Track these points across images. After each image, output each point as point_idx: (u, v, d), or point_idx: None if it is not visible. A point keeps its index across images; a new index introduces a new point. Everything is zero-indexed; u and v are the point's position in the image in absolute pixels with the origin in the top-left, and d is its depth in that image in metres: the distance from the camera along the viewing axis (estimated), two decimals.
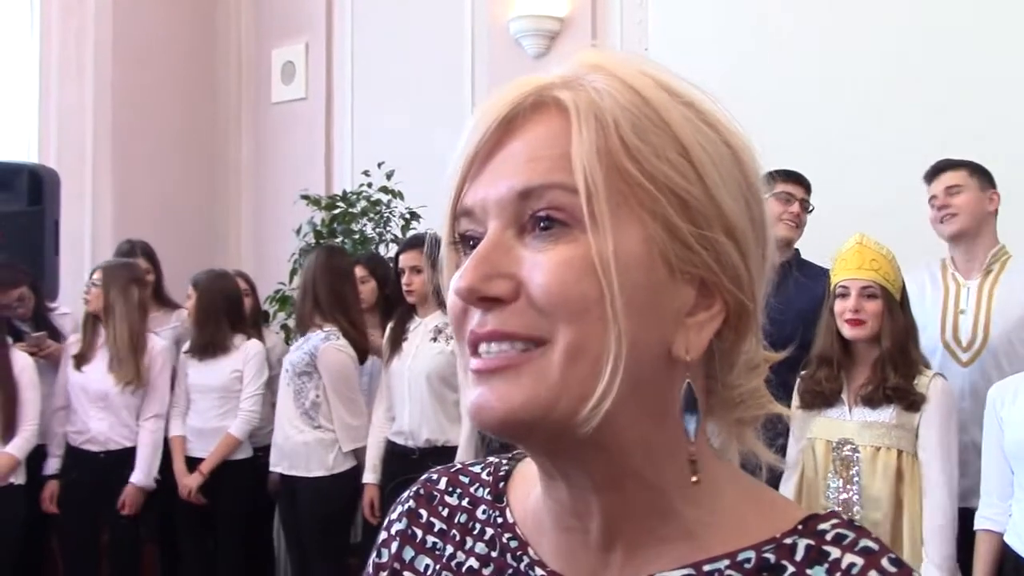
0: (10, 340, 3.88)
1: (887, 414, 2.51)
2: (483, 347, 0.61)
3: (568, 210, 0.60)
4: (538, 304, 0.60)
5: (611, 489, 0.64)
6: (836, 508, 2.38)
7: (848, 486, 2.50)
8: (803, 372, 2.65)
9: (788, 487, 2.59)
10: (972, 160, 3.03)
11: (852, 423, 2.55)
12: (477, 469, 0.78)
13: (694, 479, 0.64)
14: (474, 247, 0.63)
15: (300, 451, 3.73)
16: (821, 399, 2.59)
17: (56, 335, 4.16)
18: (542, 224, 0.61)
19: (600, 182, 0.59)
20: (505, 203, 0.62)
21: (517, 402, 0.60)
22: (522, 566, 0.69)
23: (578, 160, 0.60)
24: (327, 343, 3.69)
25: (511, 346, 0.60)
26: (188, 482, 3.95)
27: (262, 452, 4.00)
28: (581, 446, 0.61)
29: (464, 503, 0.76)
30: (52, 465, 3.94)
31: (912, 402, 2.48)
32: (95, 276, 3.97)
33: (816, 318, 2.67)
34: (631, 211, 0.60)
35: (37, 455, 3.88)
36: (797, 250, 3.22)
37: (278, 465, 3.81)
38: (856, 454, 2.51)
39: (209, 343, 3.98)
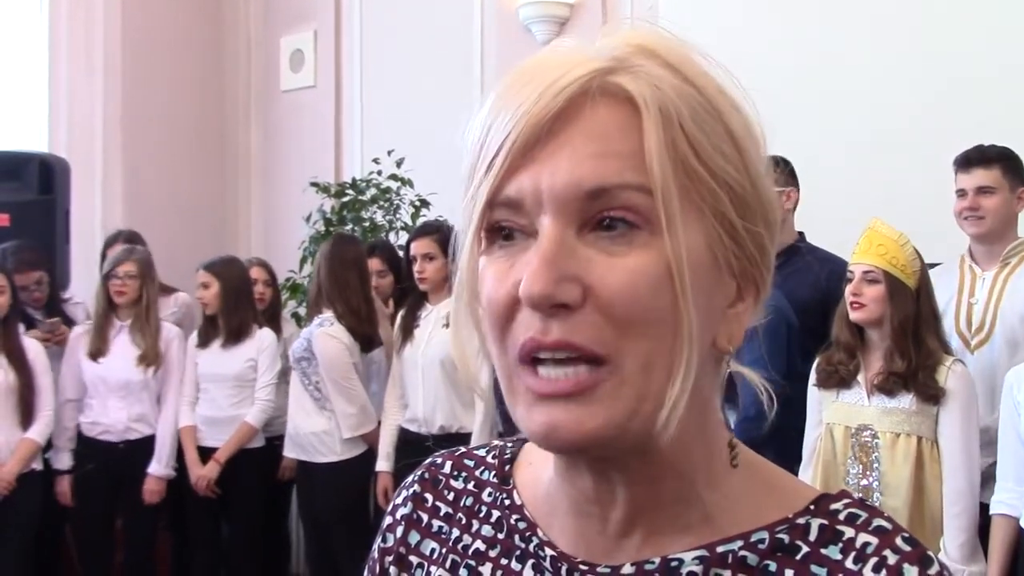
0: (22, 327, 3.90)
1: (906, 401, 2.50)
2: (545, 369, 0.58)
3: (641, 212, 0.57)
4: (611, 315, 0.57)
5: (645, 482, 0.64)
6: (857, 494, 2.39)
7: (868, 472, 2.50)
8: (821, 354, 2.65)
9: (807, 474, 2.60)
10: (1008, 151, 2.97)
11: (871, 409, 2.55)
12: (482, 452, 0.78)
13: (734, 464, 0.65)
14: (507, 238, 0.60)
15: (311, 438, 3.75)
16: (836, 379, 2.60)
17: (69, 323, 4.17)
18: (606, 223, 0.58)
19: (672, 182, 0.57)
20: (568, 199, 0.58)
21: (592, 426, 0.58)
22: (531, 547, 0.69)
23: (654, 162, 0.57)
24: (320, 329, 3.71)
25: (575, 369, 0.57)
26: (205, 472, 3.94)
27: (277, 441, 4.01)
28: (632, 450, 0.61)
29: (470, 486, 0.76)
30: (63, 460, 3.92)
31: (932, 396, 2.47)
32: (125, 268, 3.94)
33: (819, 303, 2.69)
34: (694, 208, 0.59)
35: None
36: (801, 233, 3.20)
37: (291, 452, 3.84)
38: (876, 440, 2.51)
39: (238, 329, 3.98)
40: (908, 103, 3.75)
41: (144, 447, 3.96)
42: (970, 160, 2.96)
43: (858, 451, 2.53)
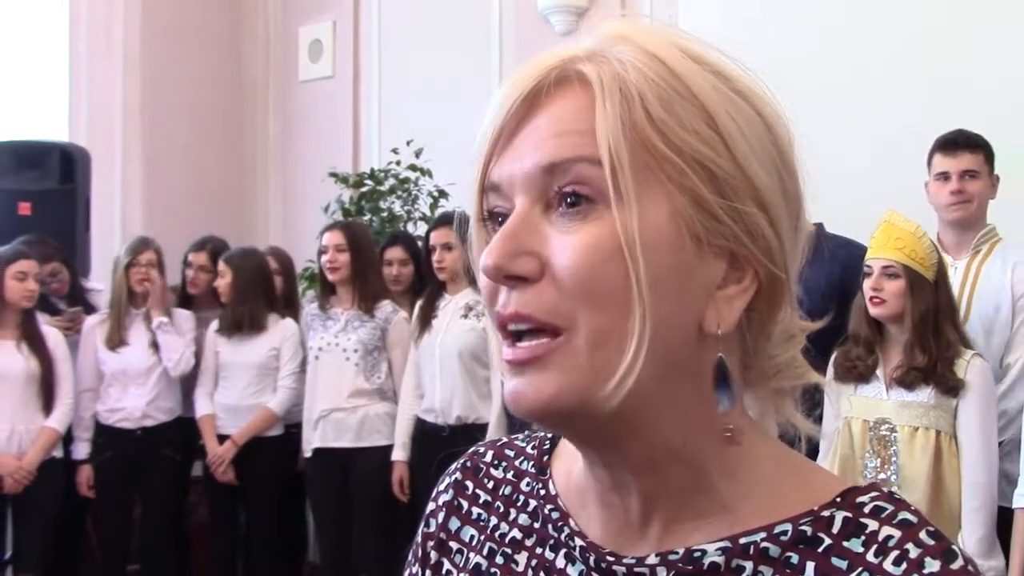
0: (47, 316, 3.93)
1: (925, 394, 2.49)
2: (512, 333, 0.62)
3: (594, 185, 0.60)
4: (562, 287, 0.60)
5: (649, 469, 0.64)
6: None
7: (886, 466, 2.49)
8: (839, 348, 2.64)
9: (823, 466, 2.58)
10: (983, 137, 2.96)
11: (889, 403, 2.53)
12: (522, 443, 0.79)
13: (732, 447, 0.64)
14: (502, 223, 0.63)
15: (375, 422, 3.78)
16: (855, 375, 2.59)
17: (92, 311, 4.20)
18: (568, 200, 0.60)
19: (625, 156, 0.59)
20: (532, 178, 0.61)
21: (548, 393, 0.60)
22: (563, 536, 0.70)
23: (602, 134, 0.59)
24: (397, 315, 3.79)
25: (536, 338, 0.60)
26: (221, 452, 3.95)
27: (294, 429, 4.03)
28: (618, 431, 0.62)
29: (509, 476, 0.77)
30: (82, 449, 3.95)
31: (951, 387, 2.46)
32: (147, 257, 3.98)
33: (836, 290, 2.68)
34: (658, 184, 0.60)
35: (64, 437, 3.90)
36: (820, 224, 3.18)
37: (330, 440, 3.81)
38: (894, 434, 2.50)
39: (245, 320, 3.99)
40: (930, 97, 3.72)
41: (160, 434, 3.99)
42: (957, 143, 2.93)
43: (876, 445, 2.52)
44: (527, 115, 0.62)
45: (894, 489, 2.37)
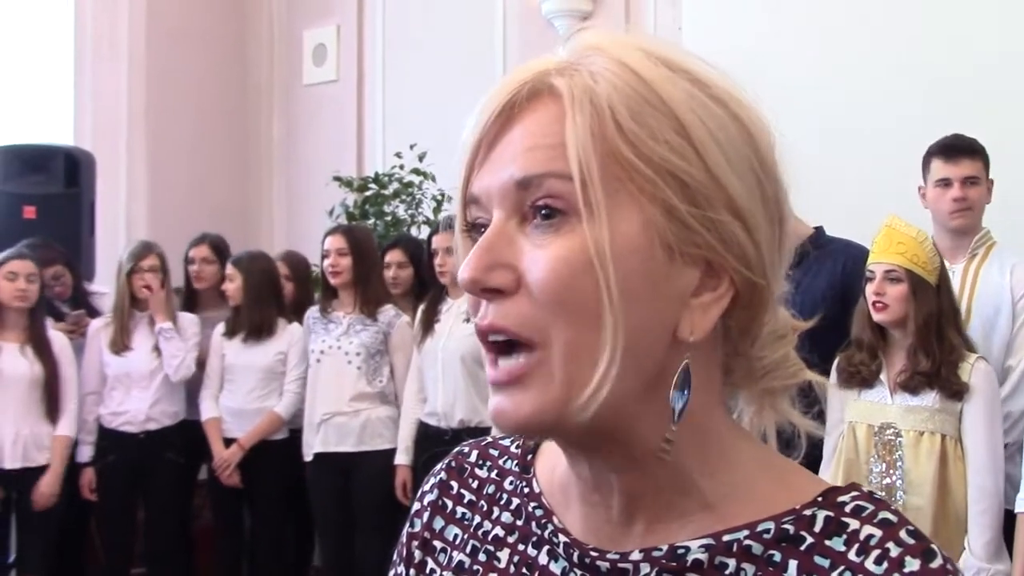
0: (50, 320, 3.94)
1: (930, 399, 2.49)
2: (494, 346, 0.63)
3: (566, 198, 0.60)
4: (536, 301, 0.61)
5: (630, 469, 0.65)
6: (879, 493, 2.37)
7: (891, 470, 2.48)
8: (841, 353, 2.63)
9: (827, 473, 2.57)
10: (979, 142, 2.96)
11: (894, 407, 2.53)
12: (507, 442, 0.80)
13: (714, 447, 0.66)
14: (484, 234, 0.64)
15: (377, 425, 3.79)
16: (858, 380, 2.58)
17: (95, 315, 4.21)
18: (543, 213, 0.61)
19: (595, 169, 0.59)
20: (506, 192, 0.62)
21: (527, 410, 0.62)
22: (546, 533, 0.71)
23: (572, 148, 0.60)
24: (400, 320, 3.80)
25: (516, 359, 0.62)
26: (227, 456, 3.96)
27: (300, 433, 4.03)
28: (598, 436, 0.63)
29: (493, 475, 0.78)
30: (85, 453, 3.96)
31: (955, 391, 2.46)
32: (149, 262, 3.99)
33: (838, 293, 2.67)
34: (629, 196, 0.60)
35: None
36: (820, 228, 3.17)
37: (332, 445, 3.81)
38: (899, 438, 2.49)
39: (260, 325, 3.99)
40: (930, 97, 3.72)
41: (163, 437, 4.00)
42: (958, 149, 2.92)
43: (881, 449, 2.51)
44: (503, 128, 0.63)
45: (900, 493, 2.36)
